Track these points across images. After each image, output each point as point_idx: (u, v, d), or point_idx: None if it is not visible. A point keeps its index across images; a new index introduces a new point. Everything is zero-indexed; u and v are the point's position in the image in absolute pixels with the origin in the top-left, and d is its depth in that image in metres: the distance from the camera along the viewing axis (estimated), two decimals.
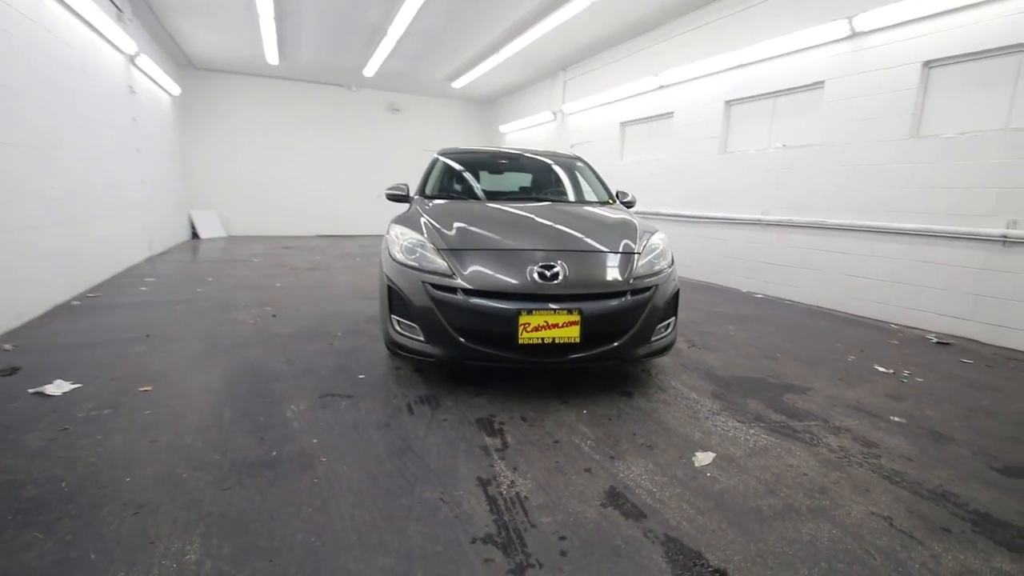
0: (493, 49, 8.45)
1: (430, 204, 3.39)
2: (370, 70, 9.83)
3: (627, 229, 3.00)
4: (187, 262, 7.34)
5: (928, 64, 4.36)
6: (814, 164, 5.33)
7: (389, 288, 2.72)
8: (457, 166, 4.17)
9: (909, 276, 4.56)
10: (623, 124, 8.29)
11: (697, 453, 2.17)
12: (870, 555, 1.57)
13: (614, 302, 2.56)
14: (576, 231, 2.92)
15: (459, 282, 2.52)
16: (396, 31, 7.52)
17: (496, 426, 2.35)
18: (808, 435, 2.37)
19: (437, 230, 2.83)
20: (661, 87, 7.27)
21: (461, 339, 2.50)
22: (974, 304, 4.13)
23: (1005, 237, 3.88)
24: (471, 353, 2.52)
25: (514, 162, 4.41)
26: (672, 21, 6.95)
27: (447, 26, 7.49)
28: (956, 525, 1.73)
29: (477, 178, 4.12)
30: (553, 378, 2.92)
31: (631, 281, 2.63)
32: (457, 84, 10.74)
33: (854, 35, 4.83)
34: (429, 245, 2.72)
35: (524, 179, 4.30)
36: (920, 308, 4.49)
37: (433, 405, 2.55)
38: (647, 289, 2.66)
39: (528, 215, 3.16)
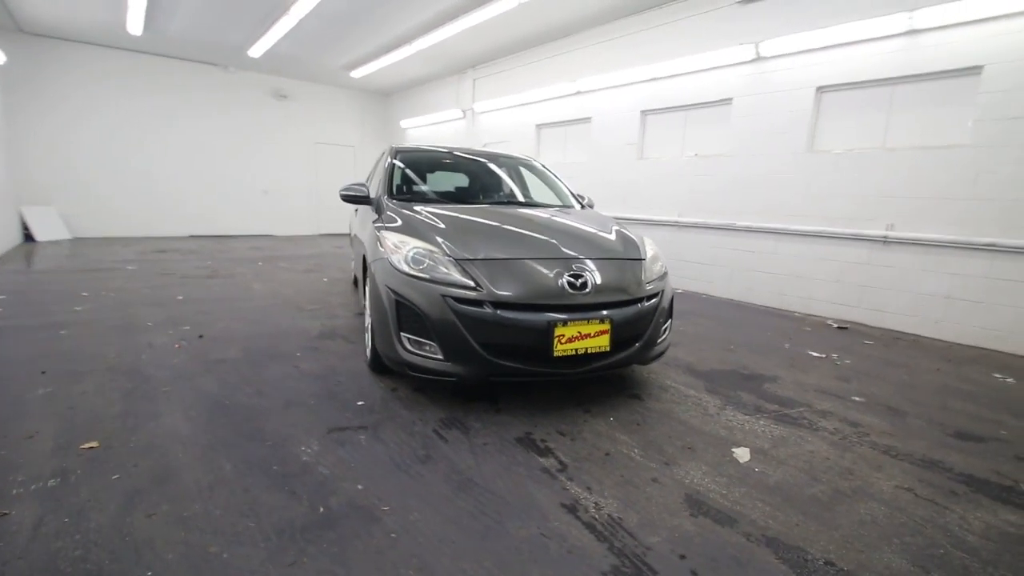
0: (405, 40, 8.05)
1: (416, 208, 3.11)
2: (258, 50, 8.75)
3: (625, 235, 3.06)
4: (36, 273, 5.88)
5: (820, 89, 5.11)
6: (724, 172, 5.95)
7: (398, 303, 2.45)
8: (422, 166, 3.90)
9: (806, 271, 5.32)
10: (539, 126, 8.45)
11: (734, 449, 2.30)
12: (921, 525, 1.79)
13: (635, 308, 2.59)
14: (584, 237, 2.90)
15: (486, 295, 2.36)
16: (300, 10, 6.79)
17: (540, 444, 2.25)
18: (805, 421, 2.64)
19: (446, 238, 2.62)
20: (578, 92, 7.54)
21: (488, 355, 2.35)
22: (860, 293, 4.95)
23: (885, 237, 4.71)
24: (499, 370, 2.38)
25: (482, 165, 4.25)
26: (590, 29, 7.24)
27: (360, 11, 6.95)
28: (958, 488, 2.06)
29: (447, 179, 3.90)
30: (559, 386, 2.87)
31: (647, 286, 2.69)
32: (357, 73, 10.05)
33: (759, 59, 5.47)
34: (441, 255, 2.50)
35: (496, 182, 4.16)
36: (815, 298, 5.26)
37: (461, 428, 2.36)
38: (657, 294, 2.74)
39: (528, 220, 3.07)
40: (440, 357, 2.40)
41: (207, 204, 10.41)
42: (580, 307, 2.43)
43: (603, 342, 2.45)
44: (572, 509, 1.79)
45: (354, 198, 3.53)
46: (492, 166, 4.21)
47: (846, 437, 2.47)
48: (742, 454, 2.25)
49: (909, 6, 4.35)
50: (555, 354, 2.36)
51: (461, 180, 4.06)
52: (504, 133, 9.13)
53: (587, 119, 7.55)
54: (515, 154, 4.53)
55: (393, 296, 2.47)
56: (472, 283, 2.38)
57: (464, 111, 9.94)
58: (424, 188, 3.82)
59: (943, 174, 4.34)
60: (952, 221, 4.31)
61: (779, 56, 5.32)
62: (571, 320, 2.36)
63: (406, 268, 2.49)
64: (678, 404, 2.79)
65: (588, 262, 2.59)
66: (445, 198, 3.69)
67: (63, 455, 1.96)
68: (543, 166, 4.35)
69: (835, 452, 2.31)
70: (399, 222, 2.91)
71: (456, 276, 2.41)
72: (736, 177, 5.83)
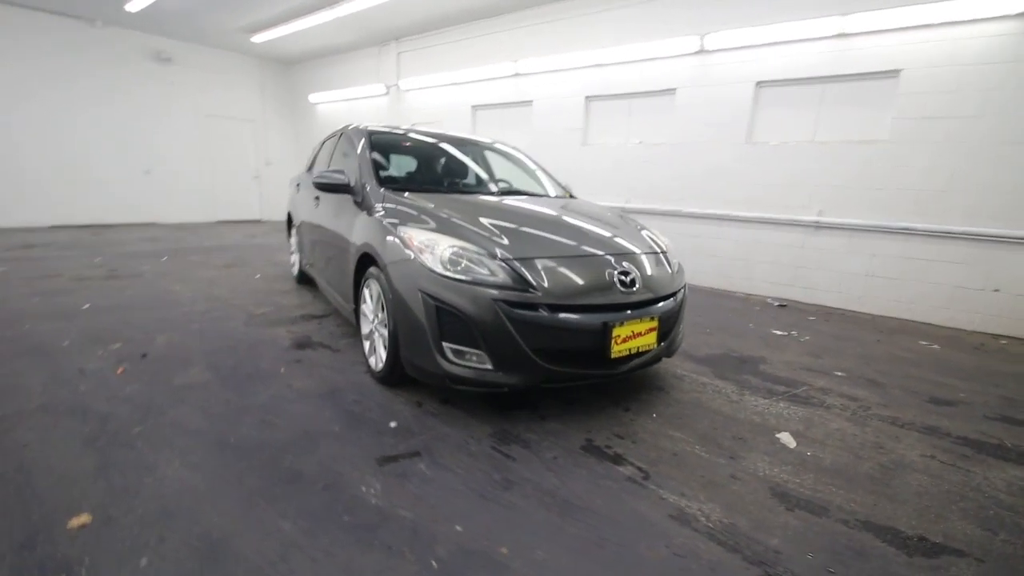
0: (324, 4, 7.24)
1: (421, 200, 2.80)
2: (137, 3, 7.35)
3: (638, 228, 3.03)
4: None
5: (759, 84, 5.48)
6: (669, 160, 6.20)
7: (439, 309, 2.19)
8: (404, 151, 3.54)
9: (747, 254, 5.76)
10: (475, 107, 8.15)
11: (777, 435, 2.40)
12: (962, 489, 2.01)
13: (671, 302, 2.58)
14: (610, 232, 2.81)
15: (542, 297, 2.19)
16: None
17: (607, 451, 2.16)
18: (814, 399, 2.84)
19: (480, 234, 2.38)
20: (518, 74, 7.37)
21: (541, 361, 2.19)
22: (794, 274, 5.48)
23: (816, 223, 5.24)
24: (554, 376, 2.24)
25: (471, 151, 3.95)
26: (531, 9, 7.05)
27: None
28: (965, 451, 2.34)
29: (437, 167, 3.57)
30: (588, 387, 2.79)
31: (677, 280, 2.69)
32: (260, 38, 8.89)
33: (703, 51, 5.72)
34: (481, 254, 2.26)
35: (490, 170, 3.90)
36: (755, 279, 5.74)
37: (520, 442, 2.19)
38: (683, 286, 2.76)
39: (548, 213, 2.91)
40: (489, 367, 2.19)
41: (74, 188, 8.66)
42: (632, 305, 2.35)
43: (651, 340, 2.42)
44: (683, 520, 1.73)
45: (332, 186, 3.11)
46: (485, 153, 3.96)
47: (855, 412, 2.70)
48: (787, 439, 2.36)
49: (841, 10, 4.79)
50: (612, 355, 2.27)
51: (453, 168, 3.75)
52: (435, 113, 8.68)
53: (528, 102, 7.42)
54: (495, 141, 4.29)
55: (432, 302, 2.20)
56: (524, 285, 2.20)
57: (388, 87, 9.27)
58: (414, 176, 3.47)
59: (866, 166, 4.90)
60: (873, 208, 4.90)
61: (722, 50, 5.59)
62: (626, 320, 2.29)
63: (444, 270, 2.23)
64: (701, 393, 2.85)
65: (629, 257, 2.52)
66: (444, 188, 3.38)
67: (48, 543, 1.47)
68: (525, 155, 4.18)
69: (856, 428, 2.52)
70: (416, 216, 2.59)
71: (504, 277, 2.20)
72: (681, 165, 6.10)
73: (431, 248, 2.31)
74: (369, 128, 3.62)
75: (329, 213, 3.53)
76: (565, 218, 2.83)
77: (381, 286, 2.53)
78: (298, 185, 4.75)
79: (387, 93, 9.35)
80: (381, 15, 7.61)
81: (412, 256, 2.33)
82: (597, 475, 1.98)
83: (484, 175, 3.81)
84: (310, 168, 4.82)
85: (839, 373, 3.29)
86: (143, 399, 2.42)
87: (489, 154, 3.99)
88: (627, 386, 2.85)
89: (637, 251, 2.63)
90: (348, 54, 9.97)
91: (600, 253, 2.46)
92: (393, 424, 2.29)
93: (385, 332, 2.57)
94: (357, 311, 2.99)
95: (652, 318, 2.38)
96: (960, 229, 4.48)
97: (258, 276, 5.38)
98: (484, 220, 2.55)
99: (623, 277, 2.37)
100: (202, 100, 9.97)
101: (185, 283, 4.86)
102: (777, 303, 5.30)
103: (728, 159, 5.75)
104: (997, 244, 4.35)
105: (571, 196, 3.79)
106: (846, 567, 1.55)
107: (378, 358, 2.70)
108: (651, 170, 6.37)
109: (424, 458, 2.02)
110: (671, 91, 6.07)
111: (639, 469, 2.04)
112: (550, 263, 2.31)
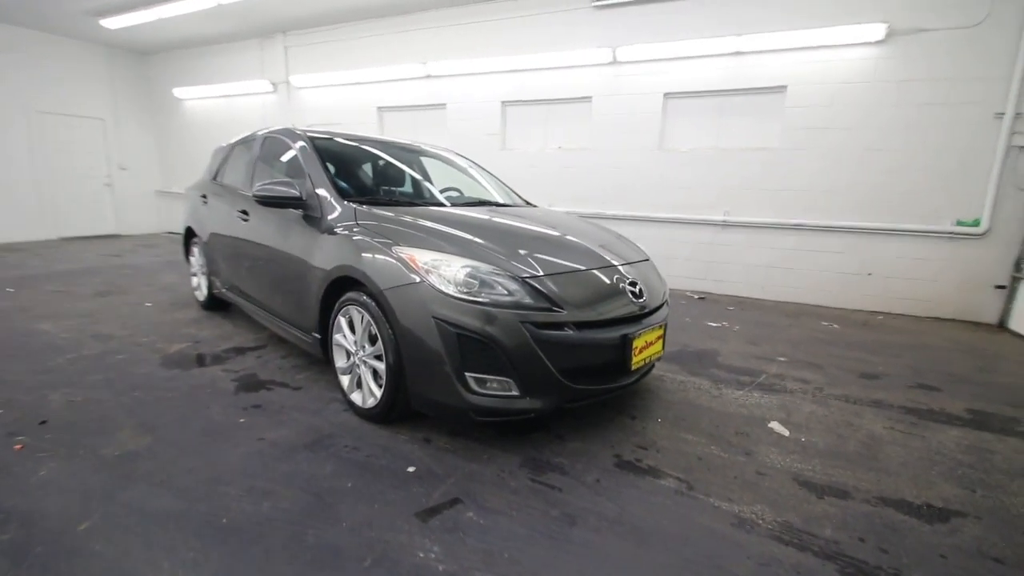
0: None
1: (402, 214, 2.54)
2: None
3: (618, 236, 3.07)
4: None
5: (668, 95, 5.90)
6: (588, 165, 6.43)
7: (460, 337, 1.99)
8: (356, 160, 3.20)
9: (665, 251, 6.18)
10: (382, 109, 7.70)
11: (769, 425, 2.58)
12: (930, 453, 2.33)
13: (666, 308, 2.65)
14: (606, 241, 2.78)
15: (567, 315, 2.10)
16: None
17: (640, 464, 2.14)
18: (778, 386, 3.11)
19: (487, 251, 2.22)
20: (430, 76, 7.12)
21: (566, 381, 2.11)
22: (706, 268, 6.01)
23: (724, 222, 5.80)
24: (577, 395, 2.17)
25: (419, 158, 3.69)
26: (442, 9, 6.82)
27: None
28: (911, 419, 2.72)
29: (395, 177, 3.27)
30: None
31: (665, 285, 2.77)
32: (113, 23, 7.48)
33: (615, 63, 6.01)
34: (496, 273, 2.11)
35: (455, 180, 3.66)
36: (674, 274, 6.17)
37: (555, 469, 2.08)
38: (667, 291, 2.85)
39: (536, 225, 2.81)
40: (516, 393, 2.05)
41: None
42: (643, 315, 2.36)
43: (660, 347, 2.46)
44: (745, 526, 1.77)
45: (279, 200, 2.71)
46: (439, 162, 3.72)
47: (814, 394, 3.01)
48: (780, 428, 2.55)
49: (736, 31, 5.33)
50: (632, 367, 2.26)
51: (412, 178, 3.46)
52: (334, 114, 8.04)
53: (442, 105, 7.20)
54: (442, 147, 4.05)
55: (453, 329, 1.99)
56: (548, 304, 2.09)
57: (275, 84, 8.39)
58: (371, 188, 3.14)
59: (763, 170, 5.53)
60: (771, 207, 5.55)
61: (633, 62, 5.93)
62: (642, 330, 2.29)
63: (459, 293, 2.03)
64: (685, 392, 2.98)
65: (630, 267, 2.53)
66: (411, 200, 3.11)
67: None
68: (473, 161, 4.02)
69: (824, 409, 2.81)
70: (407, 233, 2.33)
71: (526, 297, 2.07)
72: (600, 170, 6.36)
73: (438, 269, 2.10)
74: (309, 132, 3.21)
75: (269, 231, 3.06)
76: (553, 230, 2.76)
77: (372, 314, 2.24)
78: (204, 196, 4.07)
79: (275, 91, 8.46)
80: (264, 5, 6.86)
81: (418, 279, 2.09)
82: (645, 492, 1.95)
83: (446, 185, 3.59)
84: (215, 176, 4.16)
85: (781, 358, 3.65)
86: (72, 483, 1.87)
87: (441, 162, 3.77)
88: (620, 394, 2.87)
89: (636, 259, 2.66)
90: (223, 45, 8.82)
91: (608, 265, 2.43)
92: (411, 469, 2.04)
93: (379, 365, 2.28)
94: (327, 342, 2.63)
95: (660, 325, 2.42)
96: (839, 223, 5.26)
97: (149, 304, 4.51)
98: (478, 235, 2.39)
99: (632, 288, 2.37)
100: (34, 95, 8.13)
101: (55, 320, 3.91)
102: (697, 296, 5.77)
103: (644, 164, 6.11)
104: (868, 235, 5.18)
105: (531, 205, 3.72)
106: (892, 544, 1.70)
107: (367, 393, 2.39)
108: (571, 175, 6.55)
109: (467, 504, 1.82)
110: (587, 99, 6.30)
111: (679, 480, 2.05)
112: (566, 279, 2.23)
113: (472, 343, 2.00)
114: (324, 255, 2.55)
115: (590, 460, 2.17)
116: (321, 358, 2.77)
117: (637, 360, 2.28)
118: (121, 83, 9.32)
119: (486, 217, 2.76)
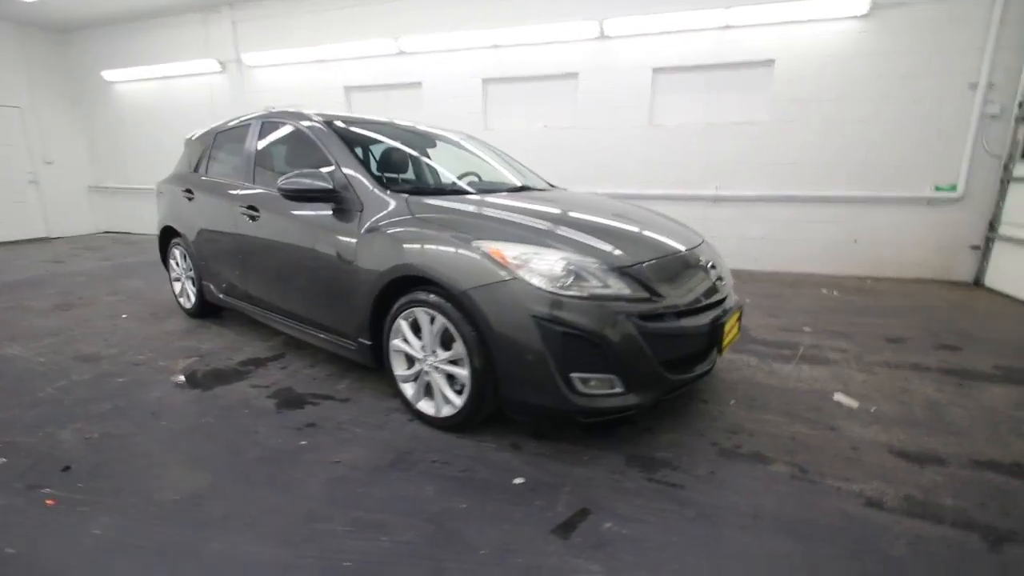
0: None
1: (471, 205, 2.35)
2: None
3: (667, 216, 2.98)
4: None
5: (656, 70, 5.84)
6: (575, 144, 6.31)
7: (565, 335, 1.84)
8: (390, 144, 2.95)
9: None
10: (349, 89, 7.20)
11: (834, 398, 2.61)
12: (986, 412, 2.43)
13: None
14: (663, 222, 2.69)
15: (668, 304, 1.99)
16: None
17: (741, 451, 2.10)
18: (820, 357, 3.17)
19: (577, 241, 2.07)
20: (403, 53, 6.70)
21: (666, 373, 2.02)
22: None
23: (715, 196, 5.87)
24: (675, 386, 2.09)
25: (446, 143, 3.45)
26: None
27: None
28: (954, 380, 2.84)
29: (426, 164, 3.02)
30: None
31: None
32: None
33: (603, 37, 5.87)
34: (592, 264, 1.96)
35: (486, 165, 3.43)
36: None
37: (664, 465, 2.00)
38: None
39: (606, 209, 2.68)
40: (620, 390, 1.94)
41: None
42: (724, 299, 2.30)
43: (738, 331, 2.41)
44: (877, 506, 1.76)
45: (310, 193, 2.43)
46: (463, 145, 3.49)
47: (856, 363, 3.09)
48: (847, 400, 2.59)
49: (725, 3, 5.31)
50: (722, 352, 2.20)
51: (448, 165, 3.22)
52: (296, 95, 7.43)
53: (417, 84, 6.81)
54: (460, 132, 3.80)
55: (558, 328, 1.84)
56: (649, 294, 1.97)
57: (223, 63, 7.64)
58: (403, 177, 2.89)
59: (752, 144, 5.62)
60: (762, 180, 5.66)
61: (621, 36, 5.81)
62: (728, 313, 2.23)
63: (556, 287, 1.88)
64: (739, 370, 2.97)
65: (700, 249, 2.45)
66: (454, 189, 2.86)
67: None
68: (488, 144, 3.80)
69: (873, 377, 2.88)
70: (480, 225, 2.14)
71: (625, 288, 1.94)
72: (586, 148, 6.25)
73: (528, 263, 1.93)
74: (319, 114, 2.89)
75: (290, 229, 2.74)
76: (614, 214, 2.62)
77: (449, 317, 2.04)
78: (188, 191, 3.61)
79: (223, 70, 7.71)
80: None
81: (508, 276, 1.91)
82: (764, 481, 1.91)
83: (486, 170, 3.36)
84: (196, 169, 3.71)
85: (806, 328, 3.74)
86: (138, 539, 1.59)
87: (466, 146, 3.53)
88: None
89: (699, 241, 2.58)
90: (159, 20, 7.91)
91: (686, 247, 2.34)
92: (518, 481, 1.89)
93: (458, 371, 2.09)
94: (381, 348, 2.40)
95: (739, 308, 2.37)
96: (828, 194, 5.44)
97: (125, 316, 4.02)
98: (551, 224, 2.23)
99: (712, 270, 2.30)
100: None
101: (21, 342, 3.39)
102: None
103: (633, 141, 6.06)
104: (854, 204, 5.40)
105: (557, 188, 3.57)
106: (1007, 506, 1.75)
107: (441, 402, 2.20)
108: (557, 154, 6.40)
109: (598, 514, 1.71)
110: (574, 75, 6.13)
111: (788, 464, 2.02)
112: (658, 266, 2.12)
113: (578, 342, 1.85)
114: (374, 253, 2.30)
115: (691, 451, 2.10)
116: (368, 365, 2.54)
117: (725, 345, 2.22)
118: (39, 66, 8.19)
119: (543, 206, 2.58)
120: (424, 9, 6.47)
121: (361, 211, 2.41)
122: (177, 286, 4.04)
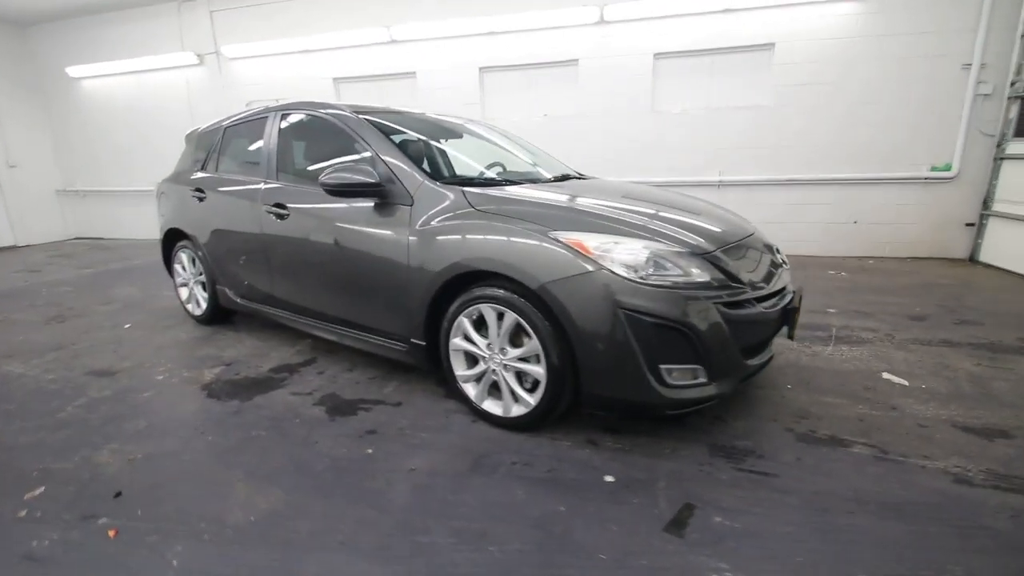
0: None
1: (536, 195, 2.28)
2: None
3: (709, 202, 2.96)
4: None
5: (657, 55, 5.81)
6: (577, 132, 6.24)
7: (656, 327, 1.79)
8: (431, 139, 2.85)
9: None
10: (338, 80, 6.94)
11: (884, 377, 2.65)
12: None
13: None
14: (712, 210, 2.66)
15: (747, 291, 1.96)
16: None
17: (817, 435, 2.10)
18: (855, 337, 3.22)
19: (656, 229, 2.01)
20: (395, 41, 6.49)
21: (744, 360, 2.00)
22: None
23: (719, 182, 5.90)
24: (751, 372, 2.07)
25: (477, 133, 3.35)
26: None
27: None
28: (986, 353, 2.92)
29: (466, 154, 2.91)
30: None
31: None
32: None
33: (603, 22, 5.80)
34: (674, 252, 1.91)
35: (518, 155, 3.32)
36: None
37: (749, 454, 1.98)
38: None
39: (659, 196, 2.65)
40: (704, 380, 1.91)
41: None
42: (787, 283, 2.29)
43: (797, 314, 2.40)
44: (965, 482, 1.78)
45: (355, 188, 2.30)
46: (494, 135, 3.39)
47: (890, 341, 3.15)
48: (897, 379, 2.62)
49: None
50: (792, 336, 2.19)
51: (488, 154, 3.12)
52: (280, 88, 7.13)
53: (411, 74, 6.62)
54: (471, 120, 3.67)
55: (648, 319, 1.78)
56: (732, 280, 1.94)
57: (201, 56, 7.26)
58: (455, 168, 2.80)
59: (754, 129, 5.66)
60: (763, 164, 5.72)
61: (622, 21, 5.75)
62: (795, 298, 2.22)
63: (642, 277, 1.82)
64: (783, 353, 2.97)
65: (758, 235, 2.43)
66: (499, 181, 2.75)
67: None
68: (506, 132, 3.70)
69: (912, 355, 2.93)
70: (555, 215, 2.06)
71: (708, 275, 1.90)
72: (588, 136, 6.19)
73: (610, 253, 1.86)
74: (353, 105, 2.75)
75: (327, 228, 2.60)
76: (664, 201, 2.57)
77: (523, 312, 1.96)
78: (199, 191, 3.40)
79: (201, 63, 7.33)
80: None
81: (591, 268, 1.84)
82: (851, 465, 1.90)
83: (520, 161, 3.25)
84: (204, 166, 3.50)
85: (831, 310, 3.80)
86: (223, 568, 1.47)
87: (490, 137, 3.42)
88: None
89: (752, 228, 2.56)
90: (127, 11, 7.44)
91: (750, 233, 2.31)
92: (609, 478, 1.84)
93: (531, 368, 2.01)
94: (436, 349, 2.30)
95: (800, 291, 2.36)
96: (829, 176, 5.54)
97: (128, 326, 3.78)
98: (619, 213, 2.16)
99: (776, 256, 2.28)
100: None
101: (21, 358, 3.14)
102: None
103: (636, 128, 6.03)
104: (853, 185, 5.51)
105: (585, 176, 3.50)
106: None
107: (510, 401, 2.13)
108: (559, 143, 6.27)
109: (704, 508, 1.67)
110: (574, 62, 6.05)
111: (867, 445, 2.02)
112: (735, 252, 2.08)
113: (668, 332, 1.80)
114: (433, 249, 2.19)
115: (769, 438, 2.09)
116: (421, 367, 2.44)
117: (793, 330, 2.21)
118: None
119: (597, 195, 2.51)
120: None
121: (411, 205, 2.29)
122: (184, 292, 3.82)
